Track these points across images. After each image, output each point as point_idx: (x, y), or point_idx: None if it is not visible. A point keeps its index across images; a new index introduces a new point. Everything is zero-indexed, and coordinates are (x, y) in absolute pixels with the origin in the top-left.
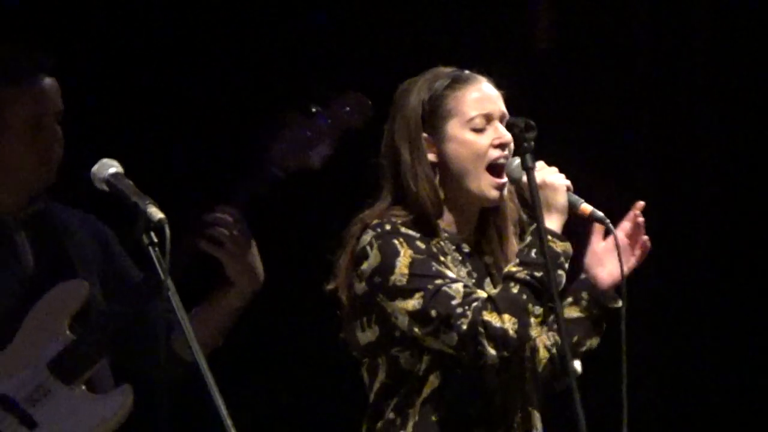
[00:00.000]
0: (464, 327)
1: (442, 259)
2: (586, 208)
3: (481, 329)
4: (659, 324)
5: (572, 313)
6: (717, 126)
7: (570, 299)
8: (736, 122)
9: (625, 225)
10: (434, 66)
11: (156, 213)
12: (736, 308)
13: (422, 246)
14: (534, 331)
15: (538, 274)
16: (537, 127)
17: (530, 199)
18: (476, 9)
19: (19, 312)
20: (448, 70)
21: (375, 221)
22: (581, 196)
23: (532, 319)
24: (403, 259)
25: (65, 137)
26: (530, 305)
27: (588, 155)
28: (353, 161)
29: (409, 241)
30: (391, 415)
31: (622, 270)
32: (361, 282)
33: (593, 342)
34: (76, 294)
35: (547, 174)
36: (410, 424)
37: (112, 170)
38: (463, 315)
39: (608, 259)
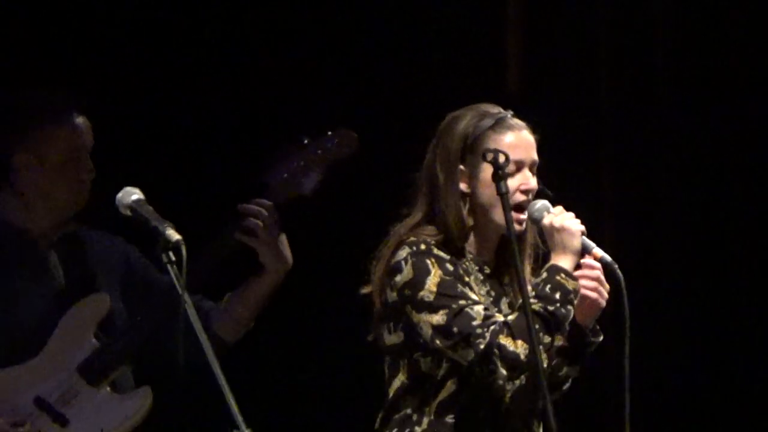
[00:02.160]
0: (482, 347)
1: (466, 279)
2: (597, 252)
3: (497, 351)
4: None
5: (557, 341)
6: (683, 165)
7: None
8: (697, 168)
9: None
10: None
11: (173, 235)
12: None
13: (451, 268)
14: (541, 357)
15: (551, 307)
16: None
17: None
18: (452, 54)
19: (50, 322)
20: (495, 110)
21: (411, 238)
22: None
23: (541, 347)
24: (433, 278)
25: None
26: (541, 334)
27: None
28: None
29: (440, 263)
30: (408, 411)
31: (625, 309)
32: (393, 291)
33: (571, 371)
34: (100, 306)
35: (565, 219)
36: (425, 421)
37: (134, 197)
38: (482, 336)
39: (583, 299)
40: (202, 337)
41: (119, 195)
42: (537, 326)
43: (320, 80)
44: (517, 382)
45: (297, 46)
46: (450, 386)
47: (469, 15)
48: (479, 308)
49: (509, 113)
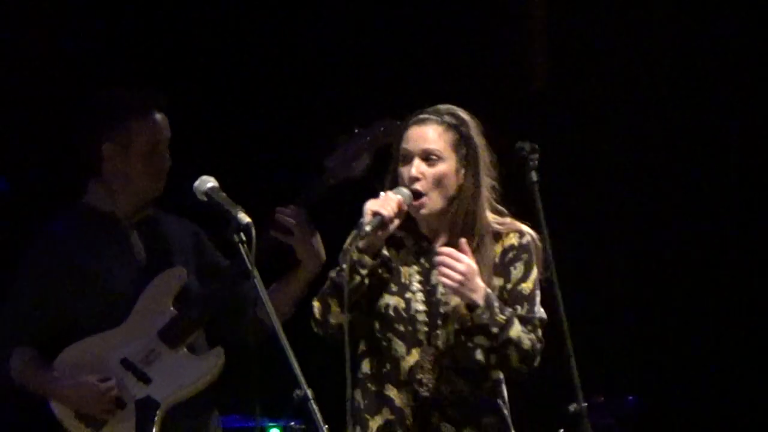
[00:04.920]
0: None
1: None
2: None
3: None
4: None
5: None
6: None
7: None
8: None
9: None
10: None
11: (244, 218)
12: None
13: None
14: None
15: (332, 273)
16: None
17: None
18: (478, 53)
19: (133, 294)
20: (421, 114)
21: None
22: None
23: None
24: None
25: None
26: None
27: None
28: None
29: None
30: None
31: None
32: None
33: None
34: (177, 279)
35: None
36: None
37: (209, 185)
38: None
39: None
40: (269, 306)
41: (196, 183)
42: (329, 290)
43: (368, 81)
44: (414, 351)
45: (353, 56)
46: (362, 347)
47: (498, 27)
48: None
49: (431, 109)
